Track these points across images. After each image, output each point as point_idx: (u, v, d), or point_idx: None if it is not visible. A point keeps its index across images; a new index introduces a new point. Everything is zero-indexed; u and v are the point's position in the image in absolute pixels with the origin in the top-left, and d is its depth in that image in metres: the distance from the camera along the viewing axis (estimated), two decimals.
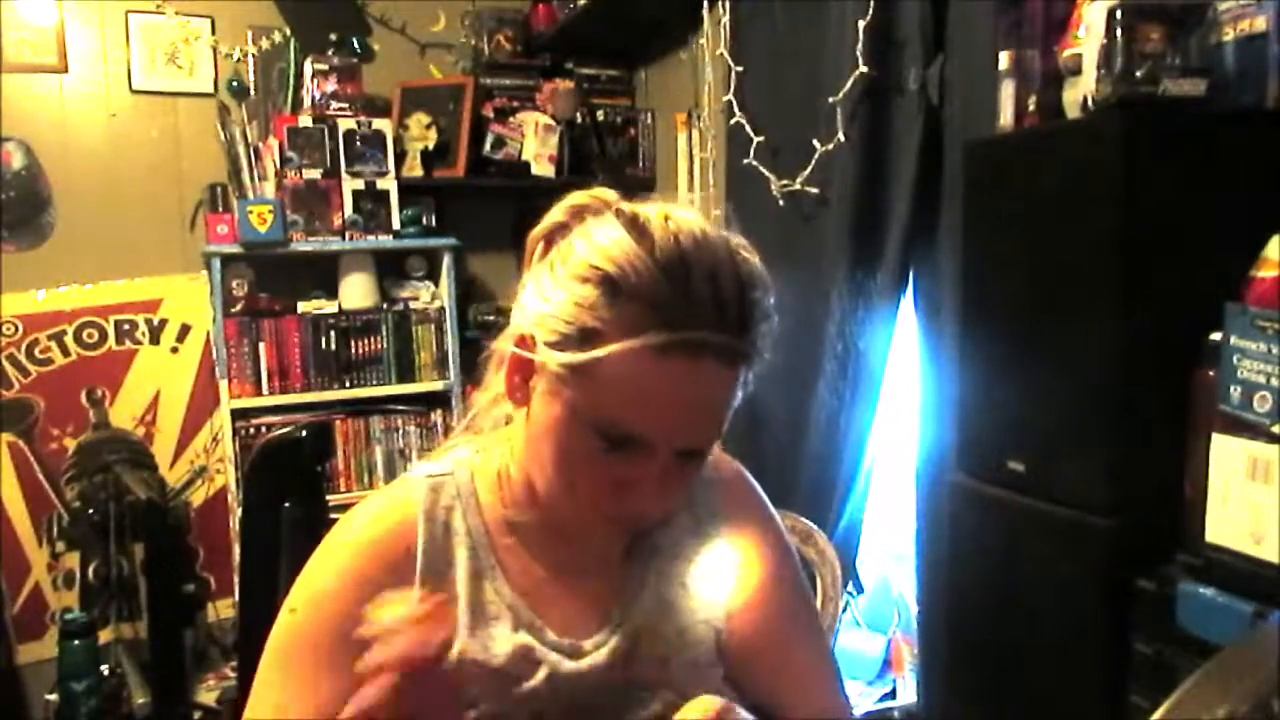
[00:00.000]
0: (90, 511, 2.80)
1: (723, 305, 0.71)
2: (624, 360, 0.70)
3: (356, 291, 3.03)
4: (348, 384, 3.01)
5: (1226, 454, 1.09)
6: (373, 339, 3.04)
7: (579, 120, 3.18)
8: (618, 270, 0.71)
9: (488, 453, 0.89)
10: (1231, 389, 1.08)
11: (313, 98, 2.93)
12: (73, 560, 2.89)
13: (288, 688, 0.81)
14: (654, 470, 0.74)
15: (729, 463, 0.99)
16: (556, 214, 0.82)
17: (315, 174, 2.89)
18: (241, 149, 2.96)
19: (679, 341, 0.70)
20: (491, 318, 3.16)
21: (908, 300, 2.00)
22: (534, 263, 0.81)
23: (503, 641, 0.83)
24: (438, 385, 3.09)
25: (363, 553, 0.84)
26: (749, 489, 0.98)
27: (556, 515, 0.83)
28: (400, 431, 3.09)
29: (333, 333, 2.99)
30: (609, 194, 0.81)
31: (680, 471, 0.77)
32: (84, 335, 2.93)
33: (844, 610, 2.24)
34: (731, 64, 2.41)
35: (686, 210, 0.77)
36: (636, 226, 0.74)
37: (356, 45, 3.13)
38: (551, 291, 0.75)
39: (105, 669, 2.61)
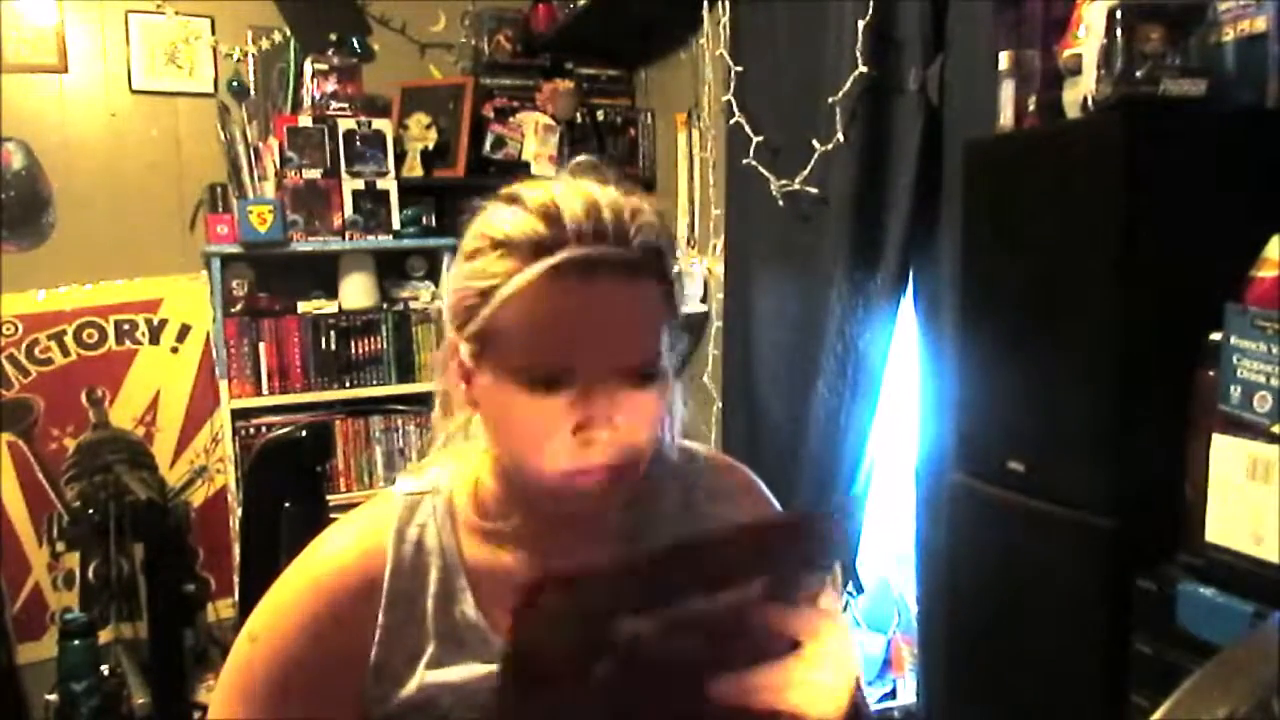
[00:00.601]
0: (90, 511, 2.80)
1: (600, 223, 0.73)
2: (520, 300, 0.72)
3: (356, 291, 3.03)
4: (348, 384, 3.01)
5: (1226, 454, 1.09)
6: (373, 339, 3.04)
7: (579, 120, 3.18)
8: (496, 231, 0.75)
9: (461, 464, 0.87)
10: (1231, 389, 1.08)
11: (313, 98, 2.93)
12: (73, 560, 2.89)
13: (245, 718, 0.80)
14: (602, 400, 0.72)
15: (730, 463, 0.97)
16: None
17: (315, 174, 2.89)
18: (241, 149, 2.96)
19: (563, 263, 0.71)
20: None
21: (908, 300, 2.00)
22: None
23: (469, 669, 0.81)
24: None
25: (327, 584, 0.82)
26: (753, 488, 0.95)
27: (542, 501, 0.79)
28: (400, 431, 3.09)
29: (333, 333, 2.99)
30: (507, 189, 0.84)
31: (632, 399, 0.74)
32: (84, 335, 2.93)
33: (844, 610, 2.24)
34: (731, 64, 2.41)
35: (567, 177, 0.80)
36: (510, 195, 0.77)
37: (356, 45, 3.13)
38: (451, 279, 0.79)
39: (105, 669, 2.61)
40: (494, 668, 0.78)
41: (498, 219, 0.76)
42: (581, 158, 0.83)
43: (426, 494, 0.87)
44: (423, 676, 0.81)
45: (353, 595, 0.81)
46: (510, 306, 0.73)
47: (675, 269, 0.80)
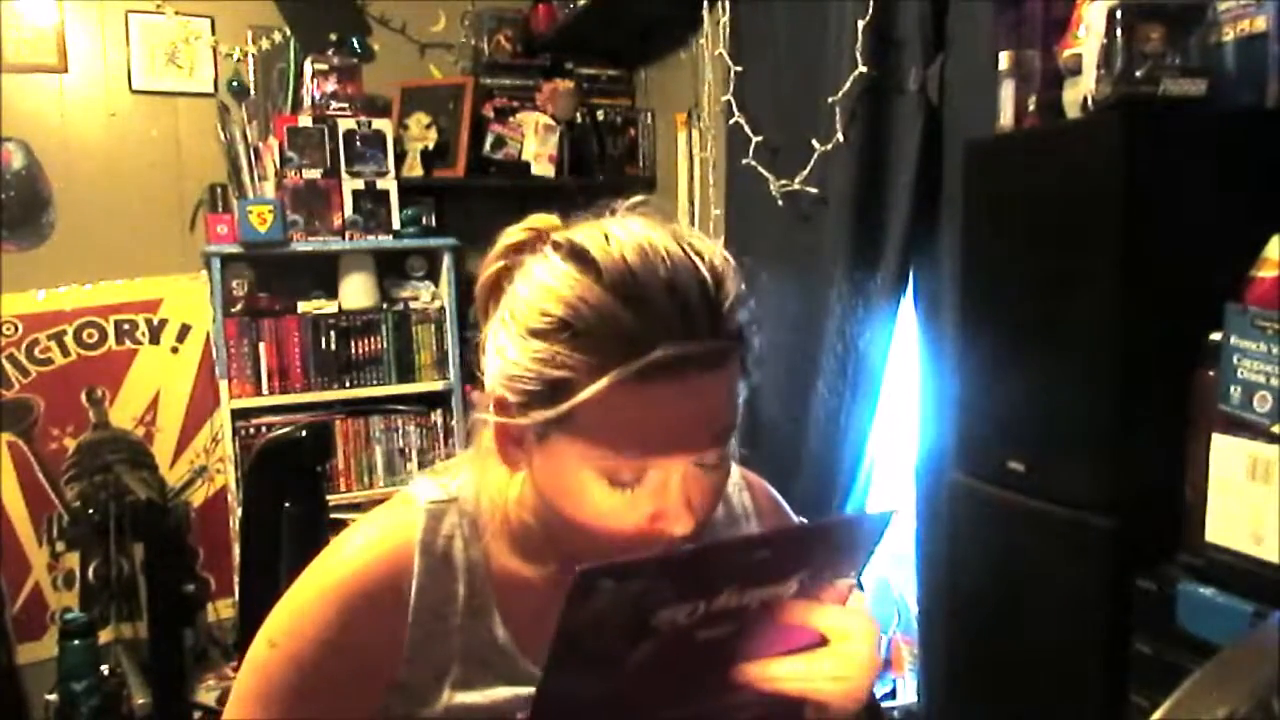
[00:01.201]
0: (90, 511, 2.80)
1: (688, 312, 0.66)
2: (601, 403, 0.65)
3: (356, 291, 3.03)
4: (348, 384, 3.01)
5: (1226, 454, 1.09)
6: (373, 339, 3.04)
7: (579, 120, 3.18)
8: (568, 311, 0.67)
9: (487, 479, 0.83)
10: (1231, 389, 1.08)
11: (313, 98, 2.93)
12: (73, 560, 2.89)
13: None
14: (677, 492, 0.70)
15: (767, 487, 0.97)
16: (495, 258, 0.78)
17: (315, 174, 2.89)
18: (241, 149, 2.96)
19: (652, 365, 0.64)
20: None
21: (908, 300, 2.00)
22: (487, 314, 0.77)
23: (496, 692, 0.80)
24: (438, 385, 3.09)
25: (349, 595, 0.78)
26: (780, 510, 0.96)
27: (588, 555, 0.77)
28: (400, 431, 3.09)
29: (333, 333, 2.99)
30: (544, 222, 0.77)
31: (703, 482, 0.72)
32: (84, 335, 2.93)
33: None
34: (731, 64, 2.41)
35: (627, 221, 0.72)
36: (576, 256, 0.69)
37: (356, 45, 3.13)
38: (510, 350, 0.70)
39: (105, 669, 2.61)
40: (520, 690, 0.79)
41: (563, 289, 0.68)
42: (636, 199, 0.75)
43: (450, 503, 0.83)
44: (450, 697, 0.79)
45: (377, 605, 0.78)
46: (589, 409, 0.66)
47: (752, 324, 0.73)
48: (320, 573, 0.81)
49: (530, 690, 0.78)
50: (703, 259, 0.69)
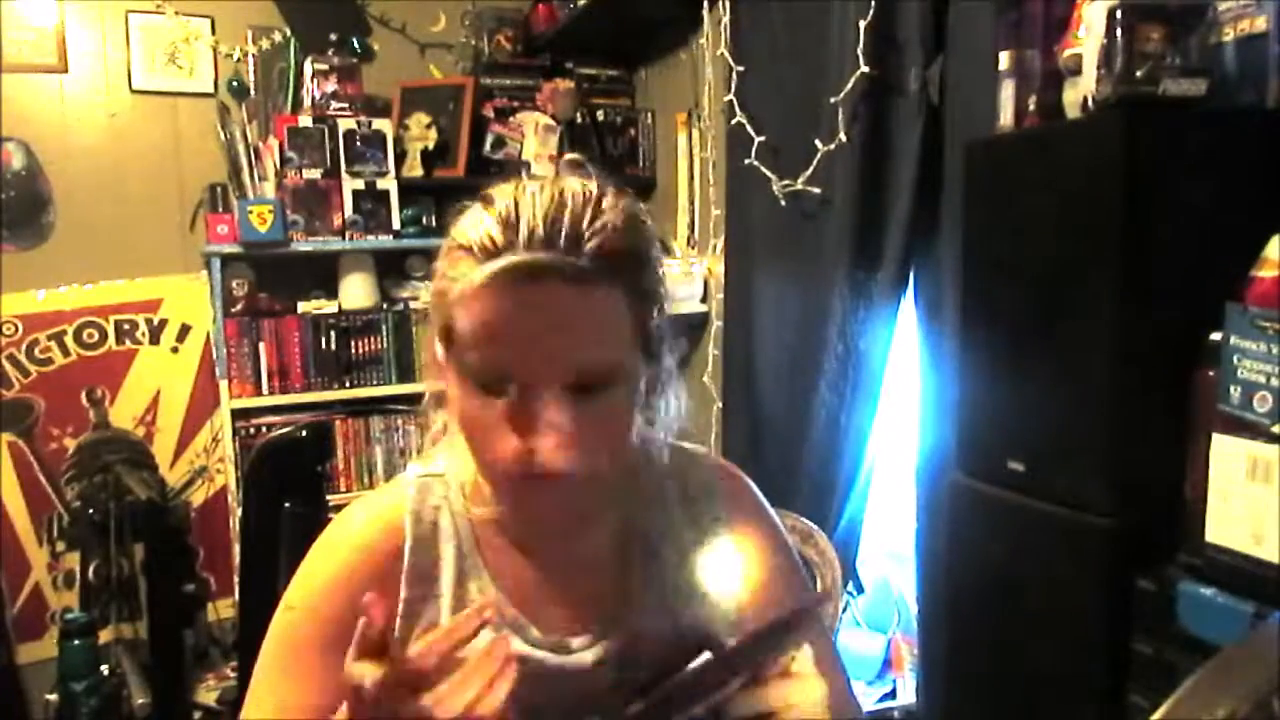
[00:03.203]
0: (90, 511, 2.80)
1: (551, 228, 0.72)
2: (468, 303, 0.72)
3: (356, 291, 3.03)
4: (348, 384, 3.01)
5: (1226, 454, 1.09)
6: (373, 339, 3.04)
7: (579, 120, 3.18)
8: (460, 234, 0.75)
9: (460, 448, 0.87)
10: (1231, 389, 1.08)
11: (313, 98, 2.93)
12: (73, 560, 2.89)
13: (288, 685, 0.82)
14: (547, 408, 0.72)
15: (727, 466, 0.99)
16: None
17: (315, 174, 2.89)
18: (241, 149, 2.96)
19: (506, 269, 0.71)
20: None
21: (908, 300, 2.00)
22: None
23: (483, 641, 0.83)
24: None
25: (355, 553, 0.86)
26: (748, 491, 0.97)
27: (502, 497, 0.82)
28: (400, 431, 3.09)
29: (333, 333, 2.99)
30: None
31: (581, 414, 0.73)
32: (84, 335, 2.93)
33: (844, 610, 2.24)
34: (732, 64, 2.41)
35: (547, 174, 0.81)
36: (484, 196, 0.77)
37: (356, 45, 3.13)
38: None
39: (105, 669, 2.61)
40: (519, 648, 0.83)
41: (466, 221, 0.76)
42: (569, 156, 0.83)
43: (437, 476, 0.89)
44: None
45: (377, 558, 0.85)
46: (461, 308, 0.73)
47: (659, 271, 0.79)
48: (324, 544, 0.89)
49: (526, 648, 0.83)
50: (589, 194, 0.75)
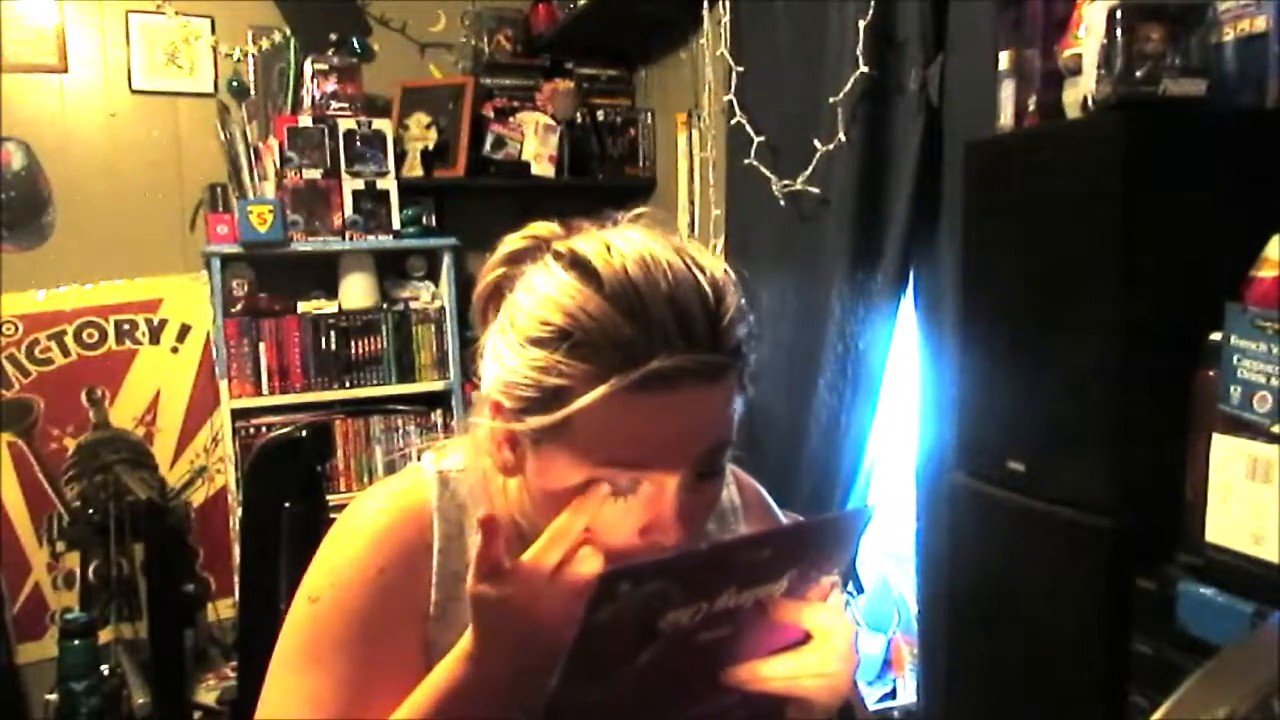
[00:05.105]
0: (90, 511, 2.80)
1: (687, 324, 0.67)
2: (598, 411, 0.66)
3: (356, 291, 3.03)
4: (348, 384, 3.01)
5: (1226, 454, 1.09)
6: (373, 339, 3.04)
7: (579, 120, 3.18)
8: (568, 320, 0.67)
9: (483, 462, 0.83)
10: (1231, 389, 1.08)
11: (313, 98, 2.93)
12: (73, 560, 2.89)
13: (316, 678, 0.78)
14: (670, 504, 0.70)
15: (740, 474, 0.98)
16: (495, 265, 0.79)
17: (315, 174, 2.89)
18: (241, 149, 2.96)
19: (648, 376, 0.65)
20: None
21: (908, 300, 2.00)
22: (485, 321, 0.78)
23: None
24: (438, 385, 3.09)
25: (381, 540, 0.80)
26: (768, 507, 0.97)
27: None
28: (400, 431, 3.09)
29: (333, 333, 2.99)
30: (545, 229, 0.77)
31: (697, 496, 0.72)
32: (84, 335, 2.93)
33: (847, 606, 2.23)
34: (732, 64, 2.41)
35: (628, 231, 0.73)
36: (578, 266, 0.69)
37: (356, 45, 3.13)
38: (509, 358, 0.71)
39: (105, 669, 2.61)
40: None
41: (563, 298, 0.68)
42: (640, 211, 0.76)
43: (461, 474, 0.84)
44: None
45: (408, 550, 0.80)
46: (585, 417, 0.67)
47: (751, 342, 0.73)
48: (348, 529, 0.82)
49: None
50: (704, 272, 0.70)
